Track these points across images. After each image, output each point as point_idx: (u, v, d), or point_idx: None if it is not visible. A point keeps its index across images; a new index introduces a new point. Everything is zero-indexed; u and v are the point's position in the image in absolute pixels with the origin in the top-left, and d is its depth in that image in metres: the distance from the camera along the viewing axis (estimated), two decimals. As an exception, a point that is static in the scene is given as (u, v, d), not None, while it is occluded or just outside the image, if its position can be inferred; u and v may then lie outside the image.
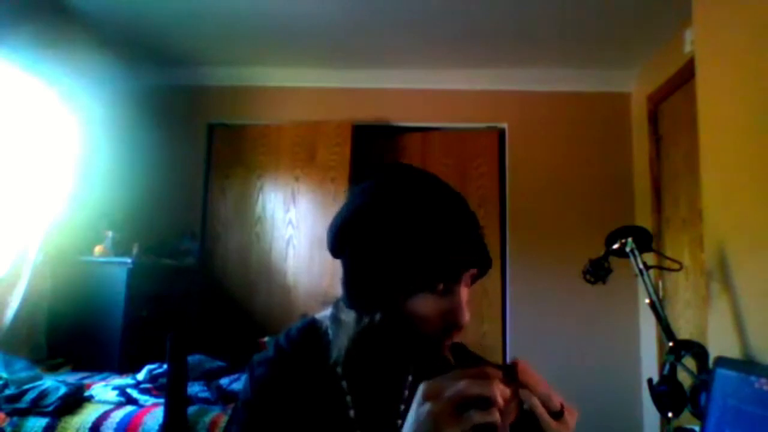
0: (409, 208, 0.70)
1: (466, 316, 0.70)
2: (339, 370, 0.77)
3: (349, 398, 0.76)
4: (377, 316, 0.71)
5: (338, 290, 0.77)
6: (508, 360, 0.67)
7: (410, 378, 0.81)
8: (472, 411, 0.52)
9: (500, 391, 0.53)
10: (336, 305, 0.79)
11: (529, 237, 3.17)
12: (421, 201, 0.70)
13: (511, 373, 0.56)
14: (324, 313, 0.84)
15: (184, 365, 1.74)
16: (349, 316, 0.75)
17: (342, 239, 0.75)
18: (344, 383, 0.77)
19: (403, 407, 0.79)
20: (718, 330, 1.66)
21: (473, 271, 0.72)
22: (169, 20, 2.74)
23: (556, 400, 0.58)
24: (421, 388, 0.55)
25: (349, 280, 0.74)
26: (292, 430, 0.73)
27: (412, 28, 2.74)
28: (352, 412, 0.75)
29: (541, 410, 0.56)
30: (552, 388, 0.58)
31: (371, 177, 0.77)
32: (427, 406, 0.53)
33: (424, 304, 0.69)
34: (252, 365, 0.80)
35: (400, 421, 0.76)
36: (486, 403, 0.52)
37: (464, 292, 0.71)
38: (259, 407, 0.75)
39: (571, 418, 0.59)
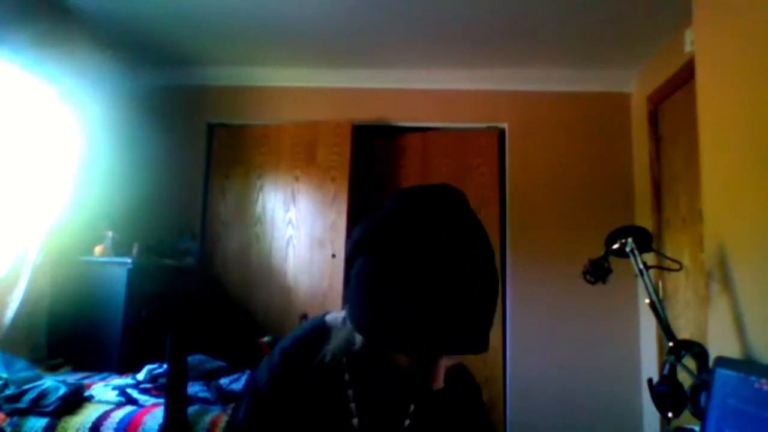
0: (408, 275, 0.62)
1: (438, 383, 0.65)
2: (347, 377, 0.76)
3: (353, 406, 0.75)
4: (359, 340, 0.70)
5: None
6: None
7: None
8: None
9: None
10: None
11: (529, 237, 3.17)
12: (422, 271, 0.62)
13: None
14: (336, 315, 0.82)
15: (184, 365, 1.74)
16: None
17: (352, 254, 0.72)
18: (350, 392, 0.76)
19: (408, 422, 0.78)
20: (718, 330, 1.66)
21: None
22: (169, 20, 2.75)
23: None
24: None
25: (347, 296, 0.72)
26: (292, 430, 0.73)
27: (412, 28, 2.74)
28: (355, 421, 0.75)
29: None
30: None
31: (412, 198, 0.69)
32: None
33: (399, 356, 0.66)
34: (272, 357, 0.79)
35: None
36: None
37: (443, 359, 0.65)
38: (268, 403, 0.74)
39: None
